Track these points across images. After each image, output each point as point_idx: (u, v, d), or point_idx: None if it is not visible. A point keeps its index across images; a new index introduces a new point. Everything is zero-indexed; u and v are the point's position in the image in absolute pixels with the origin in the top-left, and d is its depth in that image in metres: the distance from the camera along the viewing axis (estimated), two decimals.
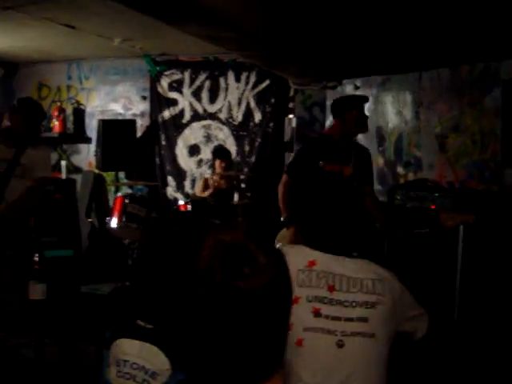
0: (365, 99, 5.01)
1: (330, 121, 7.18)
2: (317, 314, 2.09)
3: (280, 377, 1.16)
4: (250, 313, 1.09)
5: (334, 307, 2.10)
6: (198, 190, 6.92)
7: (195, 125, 7.71)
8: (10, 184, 4.78)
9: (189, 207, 6.02)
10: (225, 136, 7.60)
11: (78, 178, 7.72)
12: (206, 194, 6.66)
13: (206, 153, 7.68)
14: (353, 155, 4.65)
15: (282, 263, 1.17)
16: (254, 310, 1.09)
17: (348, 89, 7.00)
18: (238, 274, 1.08)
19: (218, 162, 6.75)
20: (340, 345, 2.07)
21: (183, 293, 1.10)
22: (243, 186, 7.13)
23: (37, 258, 3.12)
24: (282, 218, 4.71)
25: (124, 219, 5.49)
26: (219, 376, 1.11)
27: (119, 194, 6.15)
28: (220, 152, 7.00)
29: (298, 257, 2.21)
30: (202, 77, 7.62)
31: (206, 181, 6.86)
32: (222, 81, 7.56)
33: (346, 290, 2.12)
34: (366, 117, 4.83)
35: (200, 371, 1.13)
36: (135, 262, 5.02)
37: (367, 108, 6.61)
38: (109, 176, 7.79)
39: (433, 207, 5.29)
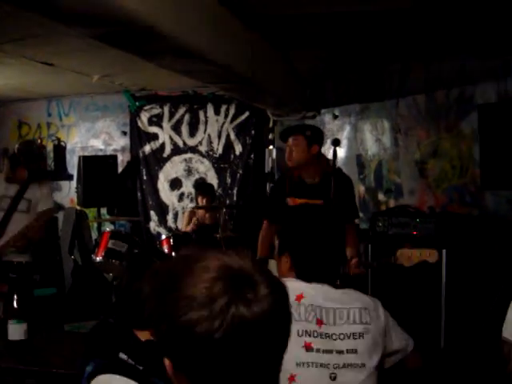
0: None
1: None
2: (308, 348, 2.08)
3: None
4: (251, 342, 1.03)
5: (324, 340, 2.09)
6: (183, 224, 6.85)
7: (176, 158, 7.72)
8: (13, 219, 4.88)
9: (171, 241, 5.96)
10: (206, 169, 7.61)
11: (60, 215, 7.67)
12: (189, 228, 6.58)
13: (188, 186, 7.67)
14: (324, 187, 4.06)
15: (284, 294, 1.11)
16: (255, 339, 1.03)
17: (327, 118, 7.05)
18: (243, 298, 1.03)
19: (199, 198, 6.60)
20: (333, 377, 2.06)
21: (175, 323, 1.03)
22: (226, 218, 7.07)
23: (16, 297, 3.08)
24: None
25: (104, 255, 5.45)
26: None
27: (107, 230, 6.11)
28: (202, 187, 6.91)
29: None
30: (182, 110, 7.66)
31: (191, 213, 6.75)
32: (201, 114, 7.59)
33: (333, 323, 2.11)
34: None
35: None
36: (118, 298, 4.96)
37: (345, 136, 6.70)
38: (91, 212, 7.75)
39: (414, 233, 5.31)
